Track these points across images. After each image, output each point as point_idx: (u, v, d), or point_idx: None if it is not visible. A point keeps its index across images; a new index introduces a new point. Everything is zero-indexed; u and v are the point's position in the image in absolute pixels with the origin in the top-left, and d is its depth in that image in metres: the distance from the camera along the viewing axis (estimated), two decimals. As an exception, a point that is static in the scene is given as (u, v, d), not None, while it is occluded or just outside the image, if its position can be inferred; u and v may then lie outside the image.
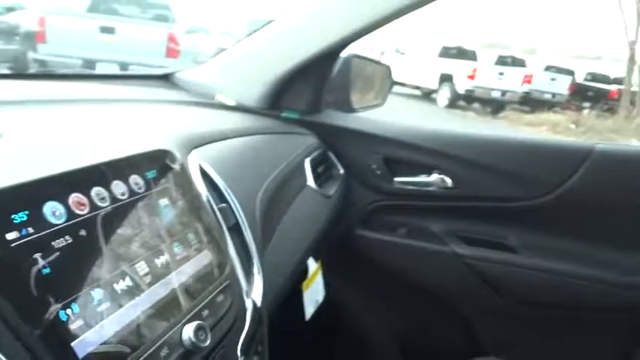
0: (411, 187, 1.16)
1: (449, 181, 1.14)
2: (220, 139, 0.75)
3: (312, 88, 1.11)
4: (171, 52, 7.00)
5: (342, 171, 1.16)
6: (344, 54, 1.16)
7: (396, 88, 13.69)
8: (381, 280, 1.24)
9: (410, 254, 1.18)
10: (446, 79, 12.30)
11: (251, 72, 1.08)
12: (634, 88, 11.40)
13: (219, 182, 0.63)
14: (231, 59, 1.12)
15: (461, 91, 12.04)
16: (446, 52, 12.86)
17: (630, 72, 11.49)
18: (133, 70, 6.61)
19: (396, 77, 13.61)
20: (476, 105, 12.47)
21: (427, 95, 13.33)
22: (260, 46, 1.09)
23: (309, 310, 0.96)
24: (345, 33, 0.99)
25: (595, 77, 14.46)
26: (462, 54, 12.86)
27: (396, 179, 1.17)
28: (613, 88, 12.98)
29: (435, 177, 1.14)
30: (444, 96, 12.42)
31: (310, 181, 0.99)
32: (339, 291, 1.19)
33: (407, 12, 0.95)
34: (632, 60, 11.44)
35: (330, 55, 1.05)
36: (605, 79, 14.19)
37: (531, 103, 12.41)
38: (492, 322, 1.18)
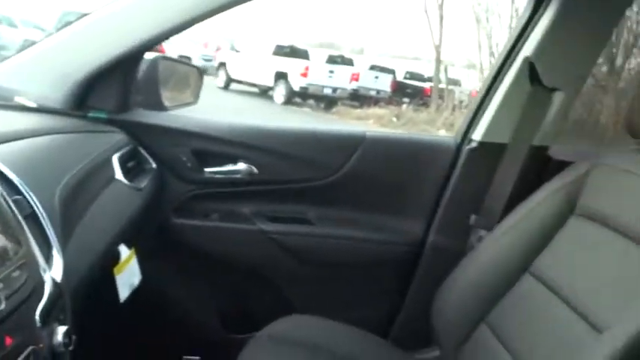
0: (220, 176, 1.30)
1: (254, 168, 1.30)
2: (16, 139, 0.80)
3: (118, 88, 1.17)
4: (-39, 47, 6.11)
5: (154, 165, 1.25)
6: (151, 56, 1.25)
7: (234, 86, 13.78)
8: (200, 262, 1.36)
9: (224, 236, 1.33)
10: (281, 76, 12.76)
11: (53, 73, 1.10)
12: (442, 85, 13.09)
13: (12, 177, 0.69)
14: (30, 59, 1.12)
15: (296, 88, 12.61)
16: (280, 51, 13.32)
17: (437, 71, 13.14)
18: None
19: (232, 74, 13.74)
20: (311, 101, 13.18)
21: (264, 92, 13.66)
22: (60, 47, 1.12)
23: (124, 293, 1.03)
24: (146, 36, 1.08)
25: (413, 76, 16.16)
26: (295, 53, 13.45)
27: (206, 169, 1.30)
28: (427, 85, 14.67)
29: (241, 165, 1.30)
30: (280, 93, 12.87)
31: (119, 175, 1.06)
32: (160, 277, 1.28)
33: (206, 17, 1.07)
34: (438, 61, 13.08)
35: (133, 56, 1.12)
36: (420, 78, 15.92)
37: (359, 99, 13.50)
38: (298, 284, 1.38)
